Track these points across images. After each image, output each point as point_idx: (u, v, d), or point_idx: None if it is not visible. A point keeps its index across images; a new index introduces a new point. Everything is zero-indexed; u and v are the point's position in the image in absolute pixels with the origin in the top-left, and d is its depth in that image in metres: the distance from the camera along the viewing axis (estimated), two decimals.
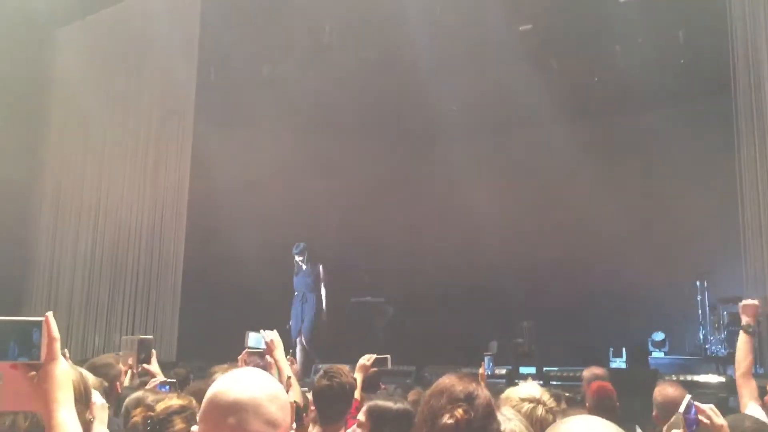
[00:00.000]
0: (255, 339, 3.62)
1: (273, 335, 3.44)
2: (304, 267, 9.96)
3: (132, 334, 9.50)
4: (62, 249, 11.06)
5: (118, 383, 3.47)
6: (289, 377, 3.18)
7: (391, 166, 11.60)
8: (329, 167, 11.09)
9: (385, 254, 11.21)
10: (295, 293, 10.00)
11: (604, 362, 8.86)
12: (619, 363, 8.98)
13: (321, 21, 9.71)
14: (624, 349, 9.11)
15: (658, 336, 9.36)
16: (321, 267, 9.99)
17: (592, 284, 10.08)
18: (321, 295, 9.92)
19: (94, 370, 3.23)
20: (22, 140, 10.47)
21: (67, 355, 4.07)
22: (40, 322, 1.34)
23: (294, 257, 9.99)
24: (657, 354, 9.19)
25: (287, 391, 3.11)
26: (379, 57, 9.89)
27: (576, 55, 9.77)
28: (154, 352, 3.88)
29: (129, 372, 3.86)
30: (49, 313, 1.36)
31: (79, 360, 5.77)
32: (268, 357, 3.45)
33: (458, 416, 1.84)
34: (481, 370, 4.58)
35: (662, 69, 9.43)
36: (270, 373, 3.30)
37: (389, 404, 2.64)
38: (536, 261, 10.53)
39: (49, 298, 10.94)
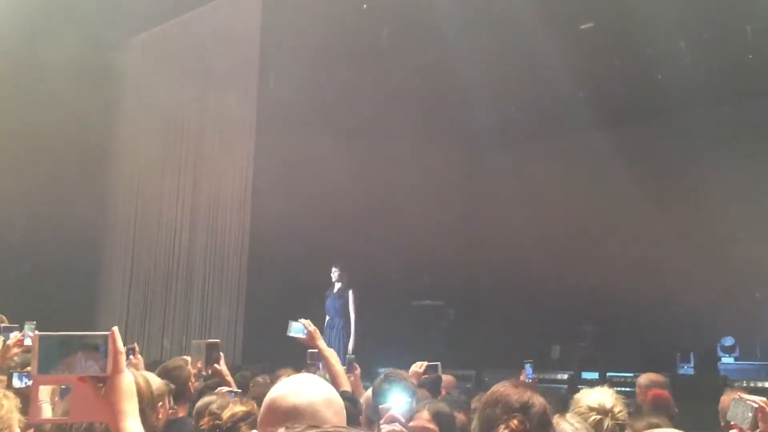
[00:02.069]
0: (296, 329, 3.73)
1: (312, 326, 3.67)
2: (335, 289, 9.39)
3: (200, 338, 9.82)
4: (135, 256, 11.49)
5: (189, 384, 3.62)
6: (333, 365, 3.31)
7: (449, 170, 11.58)
8: (388, 171, 11.14)
9: (445, 257, 11.19)
10: (326, 318, 9.26)
11: (671, 368, 8.65)
12: (686, 369, 8.73)
13: (378, 26, 9.79)
14: (692, 355, 8.86)
15: (728, 341, 9.04)
16: (351, 292, 9.27)
17: (658, 287, 9.82)
18: (349, 323, 9.15)
19: (167, 372, 3.40)
20: (96, 147, 10.90)
21: (141, 360, 4.26)
22: (107, 336, 1.39)
23: (333, 275, 9.44)
24: (727, 359, 8.88)
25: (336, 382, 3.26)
26: (436, 61, 9.89)
27: (639, 52, 9.54)
28: (221, 354, 4.04)
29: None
30: (115, 328, 1.41)
31: (150, 362, 6.01)
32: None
33: (513, 427, 1.87)
34: (521, 377, 4.58)
35: (730, 65, 9.13)
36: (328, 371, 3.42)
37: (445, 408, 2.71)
38: (600, 264, 10.32)
39: (122, 304, 11.39)
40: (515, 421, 1.87)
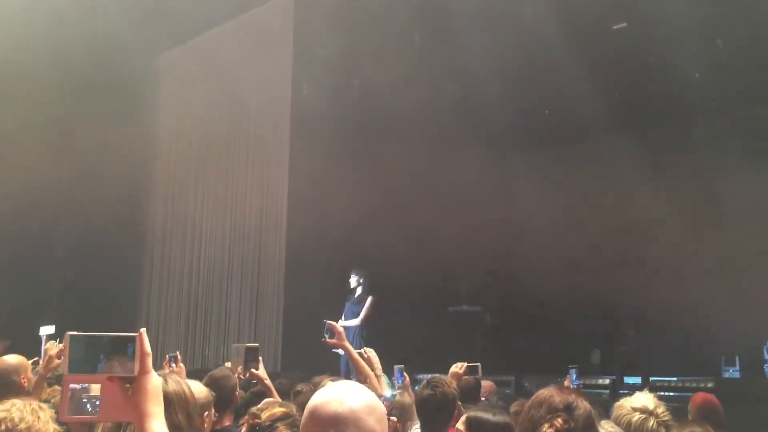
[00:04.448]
0: (329, 330, 3.86)
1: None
2: (356, 294, 9.27)
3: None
4: (172, 264, 11.68)
5: (236, 393, 3.68)
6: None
7: (484, 176, 11.51)
8: (423, 178, 11.14)
9: (481, 262, 11.13)
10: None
11: (715, 371, 8.47)
12: (732, 372, 8.53)
13: (410, 32, 9.81)
14: (737, 358, 8.66)
15: None
16: (371, 298, 9.12)
17: (701, 288, 9.62)
18: (361, 327, 8.98)
19: (215, 381, 3.45)
20: (134, 162, 11.13)
21: (183, 369, 4.31)
22: (134, 337, 1.43)
23: (351, 281, 9.30)
24: None
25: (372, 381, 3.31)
26: (466, 66, 9.87)
27: (675, 50, 9.39)
28: (260, 358, 4.09)
29: None
30: (143, 330, 1.45)
31: (191, 371, 6.09)
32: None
33: (558, 425, 1.88)
34: (566, 383, 4.54)
35: (761, 65, 8.93)
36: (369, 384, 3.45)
37: (488, 416, 2.66)
38: (640, 266, 10.16)
39: (163, 314, 11.58)
40: (560, 420, 1.89)
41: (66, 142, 10.17)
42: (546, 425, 1.89)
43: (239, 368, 3.96)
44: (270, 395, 3.85)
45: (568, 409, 1.92)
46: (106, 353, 1.41)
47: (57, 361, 4.13)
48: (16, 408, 2.10)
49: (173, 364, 4.32)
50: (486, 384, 5.56)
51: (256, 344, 4.19)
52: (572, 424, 1.89)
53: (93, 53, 9.94)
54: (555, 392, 1.98)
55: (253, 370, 3.99)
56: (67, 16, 9.38)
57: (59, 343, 4.33)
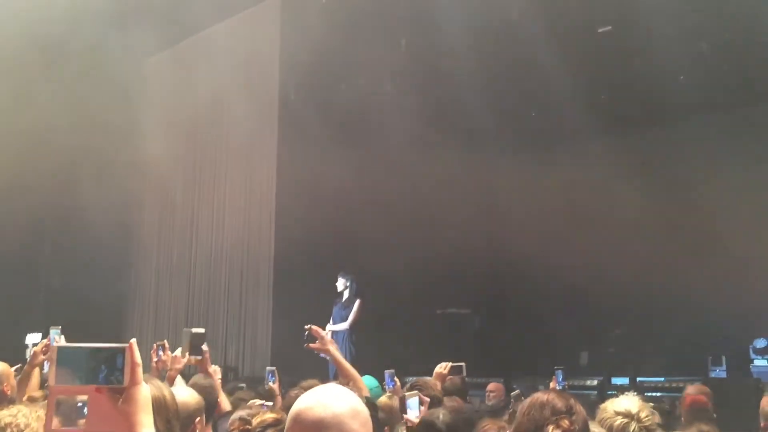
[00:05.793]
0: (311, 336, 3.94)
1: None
2: (343, 299, 9.19)
3: (226, 350, 9.88)
4: (159, 269, 11.63)
5: (220, 401, 3.65)
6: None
7: (471, 179, 11.54)
8: (411, 181, 11.15)
9: (469, 264, 11.14)
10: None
11: (702, 372, 8.52)
12: (718, 372, 8.59)
13: (396, 35, 9.83)
14: (723, 358, 8.72)
15: (761, 343, 8.87)
16: (359, 301, 9.04)
17: (688, 290, 9.67)
18: (350, 331, 8.90)
19: (202, 389, 3.41)
20: (116, 164, 11.06)
21: (170, 356, 4.25)
22: (124, 348, 1.41)
23: (338, 285, 9.22)
24: (759, 362, 8.73)
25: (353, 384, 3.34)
26: (456, 68, 9.89)
27: (659, 54, 9.46)
28: (205, 344, 4.04)
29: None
30: (133, 340, 1.43)
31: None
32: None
33: (564, 426, 1.95)
34: (552, 384, 4.57)
35: (755, 66, 9.01)
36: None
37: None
38: (627, 268, 10.20)
39: (148, 317, 11.51)
40: (566, 421, 1.95)
41: (51, 146, 10.09)
42: (551, 426, 1.95)
43: (187, 355, 3.93)
44: (211, 382, 3.82)
45: (570, 411, 1.99)
46: (95, 364, 1.39)
47: (42, 357, 4.11)
48: (22, 414, 2.11)
49: (161, 352, 4.25)
50: (495, 386, 5.61)
51: (202, 330, 4.14)
52: (576, 427, 1.96)
53: (79, 57, 9.88)
54: (554, 395, 2.05)
55: (198, 357, 3.95)
56: (53, 21, 9.31)
57: None
